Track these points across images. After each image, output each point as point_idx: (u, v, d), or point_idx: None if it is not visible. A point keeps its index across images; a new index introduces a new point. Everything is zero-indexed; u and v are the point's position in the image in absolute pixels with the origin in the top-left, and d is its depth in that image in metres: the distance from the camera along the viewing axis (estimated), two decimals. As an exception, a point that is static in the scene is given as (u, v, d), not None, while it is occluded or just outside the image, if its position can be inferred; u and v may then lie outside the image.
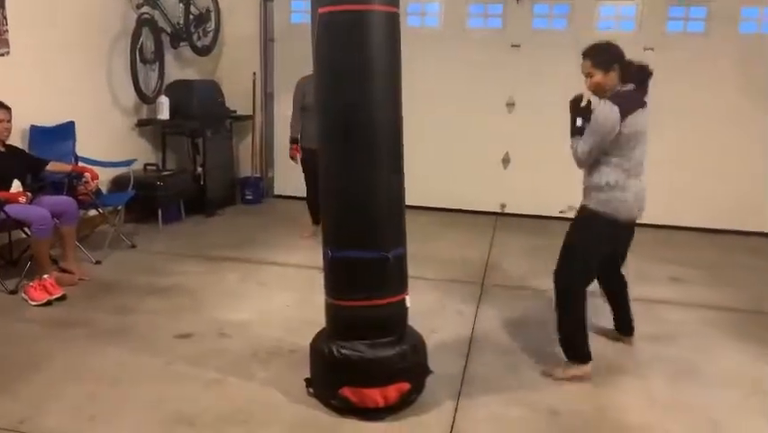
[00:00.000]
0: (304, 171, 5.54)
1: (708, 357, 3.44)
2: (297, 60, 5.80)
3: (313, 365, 2.74)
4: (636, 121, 2.92)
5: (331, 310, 2.63)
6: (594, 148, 2.97)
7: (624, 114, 2.88)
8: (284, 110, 6.46)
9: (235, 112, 6.86)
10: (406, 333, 2.64)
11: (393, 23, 2.34)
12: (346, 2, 2.24)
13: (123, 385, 2.99)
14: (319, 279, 4.71)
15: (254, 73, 6.97)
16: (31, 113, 4.77)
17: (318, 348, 2.64)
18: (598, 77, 3.01)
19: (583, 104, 3.06)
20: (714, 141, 6.19)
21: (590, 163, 3.06)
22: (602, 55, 3.02)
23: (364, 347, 2.51)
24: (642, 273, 4.55)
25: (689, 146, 6.17)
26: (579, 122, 3.05)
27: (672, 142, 5.86)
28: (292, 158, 5.54)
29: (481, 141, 6.57)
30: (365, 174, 2.40)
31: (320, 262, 5.10)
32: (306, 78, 5.35)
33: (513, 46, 6.45)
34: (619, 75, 3.01)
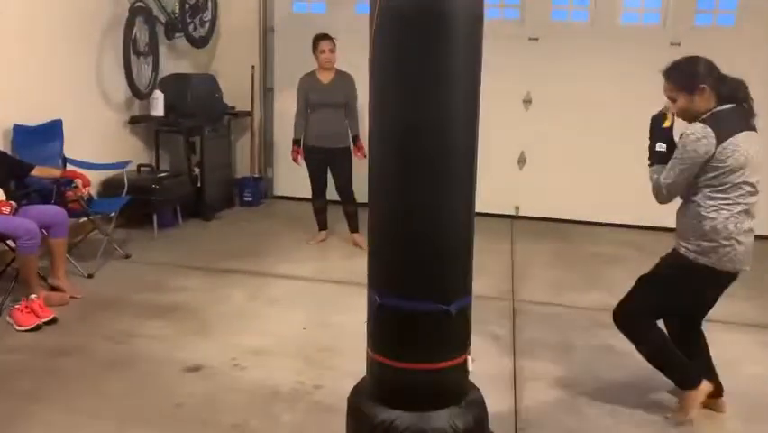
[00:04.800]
0: (309, 172, 5.17)
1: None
2: (298, 53, 5.42)
3: (352, 429, 2.28)
4: (739, 145, 2.44)
5: (375, 369, 2.15)
6: (681, 181, 2.50)
7: (720, 137, 2.42)
8: (284, 106, 6.05)
9: (233, 108, 6.41)
10: (467, 399, 2.15)
11: (478, 19, 1.87)
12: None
13: (129, 435, 2.60)
14: (335, 294, 4.51)
15: (253, 66, 6.53)
16: (13, 111, 4.32)
17: (359, 412, 2.16)
18: (683, 101, 2.53)
19: (666, 124, 2.58)
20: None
21: (687, 198, 2.58)
22: (684, 74, 2.53)
23: (417, 419, 2.03)
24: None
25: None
26: (659, 146, 2.57)
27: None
28: (294, 160, 5.15)
29: (495, 139, 6.09)
30: (432, 205, 1.93)
31: (332, 273, 4.86)
32: (309, 75, 5.03)
33: (531, 39, 6.07)
34: (712, 95, 2.51)
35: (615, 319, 2.76)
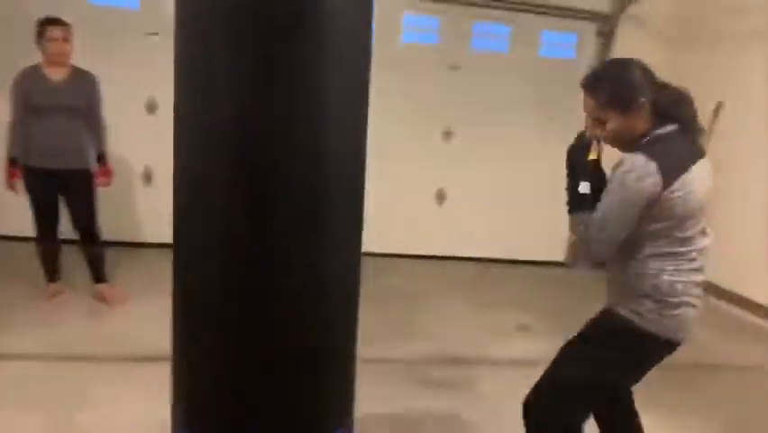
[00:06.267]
0: (32, 202, 3.83)
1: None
2: (14, 43, 4.04)
3: None
4: (694, 185, 1.81)
5: None
6: (620, 234, 1.80)
7: (669, 173, 1.76)
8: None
9: None
10: None
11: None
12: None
13: None
14: (79, 377, 3.02)
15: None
16: None
17: None
18: (615, 121, 1.84)
19: (591, 156, 1.87)
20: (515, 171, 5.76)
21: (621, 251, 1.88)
22: (616, 85, 1.84)
23: None
24: (485, 323, 4.00)
25: (494, 174, 5.68)
26: (583, 187, 1.85)
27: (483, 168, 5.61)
28: (10, 187, 3.81)
29: (413, 174, 5.52)
30: (296, 272, 1.19)
31: (71, 345, 3.50)
32: (31, 69, 3.74)
33: (452, 68, 5.49)
34: (652, 111, 1.85)
35: (532, 415, 2.00)
